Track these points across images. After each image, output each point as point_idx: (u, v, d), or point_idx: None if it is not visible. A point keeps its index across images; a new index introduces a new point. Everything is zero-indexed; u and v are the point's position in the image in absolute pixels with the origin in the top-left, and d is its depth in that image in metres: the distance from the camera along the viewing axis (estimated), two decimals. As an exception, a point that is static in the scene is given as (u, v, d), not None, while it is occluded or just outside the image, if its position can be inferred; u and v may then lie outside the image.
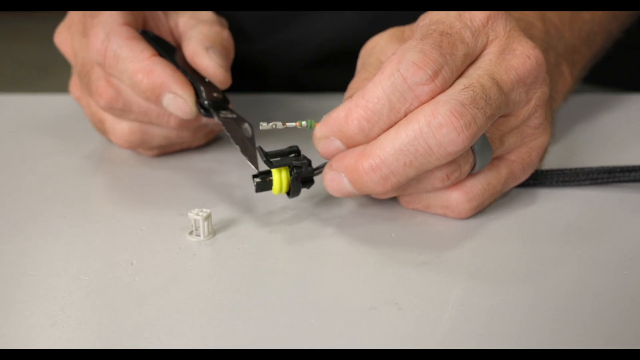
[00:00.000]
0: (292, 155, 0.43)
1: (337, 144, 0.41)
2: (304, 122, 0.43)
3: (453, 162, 0.41)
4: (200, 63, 0.50)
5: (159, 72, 0.48)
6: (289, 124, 0.43)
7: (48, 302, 0.37)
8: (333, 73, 0.70)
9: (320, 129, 0.42)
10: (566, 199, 0.47)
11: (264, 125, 0.43)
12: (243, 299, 0.38)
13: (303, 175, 0.43)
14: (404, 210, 0.46)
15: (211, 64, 0.49)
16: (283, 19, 0.69)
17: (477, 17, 0.41)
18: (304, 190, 0.45)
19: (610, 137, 0.57)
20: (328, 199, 0.47)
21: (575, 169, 0.48)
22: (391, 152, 0.39)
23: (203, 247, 0.42)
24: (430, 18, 0.41)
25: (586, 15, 0.57)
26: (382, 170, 0.39)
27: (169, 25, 0.53)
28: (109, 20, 0.49)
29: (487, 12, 0.41)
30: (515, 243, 0.43)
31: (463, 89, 0.39)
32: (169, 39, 0.53)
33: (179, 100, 0.48)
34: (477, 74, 0.40)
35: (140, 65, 0.48)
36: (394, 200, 0.46)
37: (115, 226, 0.45)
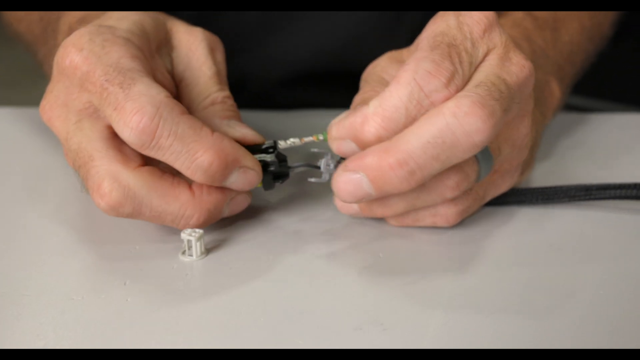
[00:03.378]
0: (270, 150, 0.45)
1: (352, 146, 0.42)
2: (320, 136, 0.44)
3: (462, 170, 0.43)
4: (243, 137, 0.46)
5: (230, 148, 0.43)
6: (306, 139, 0.45)
7: (40, 322, 0.38)
8: (307, 92, 0.71)
9: (337, 130, 0.42)
10: (547, 217, 0.48)
11: (282, 144, 0.45)
12: (233, 318, 0.39)
13: (275, 171, 0.45)
14: (392, 230, 0.47)
15: (249, 132, 0.46)
16: (257, 37, 0.70)
17: (475, 29, 0.42)
18: (299, 211, 0.47)
19: (590, 155, 0.58)
20: (318, 218, 0.48)
21: (555, 187, 0.49)
22: (418, 145, 0.39)
23: (195, 267, 0.43)
24: (433, 29, 0.42)
25: (565, 37, 0.59)
26: (410, 164, 0.40)
27: (165, 66, 0.48)
28: (152, 92, 0.41)
29: (483, 24, 0.42)
30: (499, 264, 0.44)
31: (477, 85, 0.40)
32: (166, 80, 0.47)
33: (249, 173, 0.44)
34: (484, 74, 0.41)
35: (207, 143, 0.42)
36: (382, 220, 0.47)
37: (108, 246, 0.45)
